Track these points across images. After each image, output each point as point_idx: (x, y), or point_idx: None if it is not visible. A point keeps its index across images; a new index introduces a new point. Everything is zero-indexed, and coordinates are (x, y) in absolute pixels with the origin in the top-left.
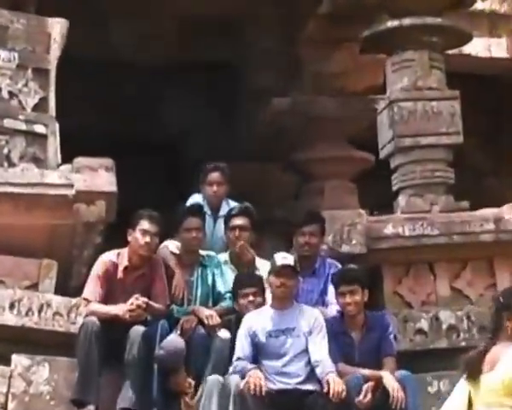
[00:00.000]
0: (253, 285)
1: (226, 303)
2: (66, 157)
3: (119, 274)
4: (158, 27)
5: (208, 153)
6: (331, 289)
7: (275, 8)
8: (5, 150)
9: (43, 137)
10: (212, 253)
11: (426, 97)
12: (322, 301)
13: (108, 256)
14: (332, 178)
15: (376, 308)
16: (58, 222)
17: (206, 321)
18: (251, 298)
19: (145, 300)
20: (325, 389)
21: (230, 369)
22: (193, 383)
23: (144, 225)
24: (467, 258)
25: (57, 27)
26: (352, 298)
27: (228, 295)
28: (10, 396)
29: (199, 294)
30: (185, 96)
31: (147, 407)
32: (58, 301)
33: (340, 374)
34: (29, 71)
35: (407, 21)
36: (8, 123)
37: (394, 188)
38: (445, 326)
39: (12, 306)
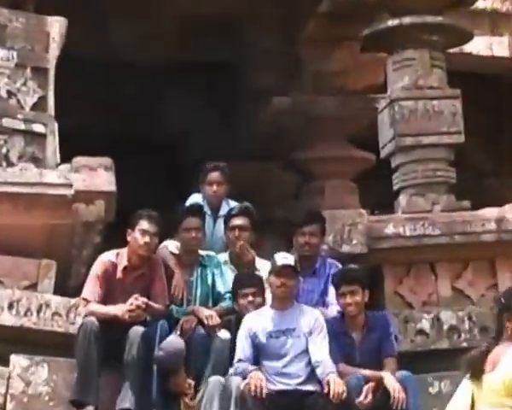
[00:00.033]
0: (252, 285)
1: (226, 303)
2: (66, 157)
3: (119, 274)
4: (158, 27)
5: (208, 153)
6: (331, 289)
7: (275, 7)
8: (4, 150)
9: (42, 136)
10: (211, 253)
11: (427, 96)
12: (322, 302)
13: (107, 256)
14: (332, 177)
15: (377, 309)
16: (57, 222)
17: (205, 321)
18: (250, 298)
19: (144, 300)
20: (325, 390)
21: (230, 370)
22: (192, 383)
23: (143, 225)
24: (468, 258)
25: (56, 26)
26: (352, 298)
27: (228, 295)
28: (9, 397)
29: (198, 294)
30: (185, 96)
31: (146, 408)
32: (57, 301)
33: (341, 375)
34: (28, 70)
35: (407, 20)
36: (6, 122)
37: (395, 187)
38: (446, 327)
39: (11, 306)
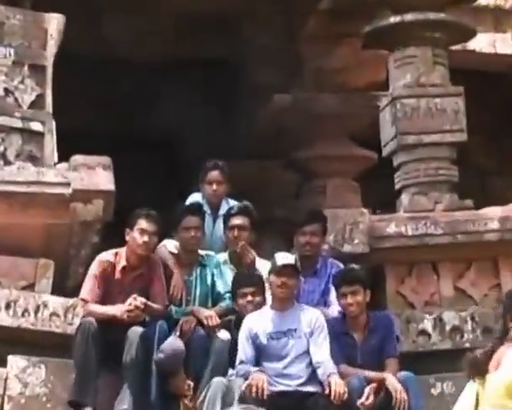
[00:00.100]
0: (251, 285)
1: (225, 303)
2: (63, 155)
3: (117, 274)
4: (155, 24)
5: (206, 149)
6: (333, 289)
7: (272, 4)
8: (1, 148)
9: (40, 134)
10: (211, 252)
11: (429, 94)
12: (323, 302)
13: (106, 256)
14: (334, 176)
15: (378, 309)
16: (55, 221)
17: (205, 322)
18: (250, 298)
19: (143, 300)
20: (326, 391)
21: (230, 371)
22: (192, 384)
23: (142, 224)
24: (471, 258)
25: (54, 23)
26: (353, 299)
27: (227, 295)
28: (6, 398)
29: (198, 294)
30: (182, 92)
31: None
32: (55, 301)
33: (342, 375)
34: (25, 67)
35: (409, 17)
36: (3, 120)
37: (397, 186)
38: (448, 327)
39: (8, 306)
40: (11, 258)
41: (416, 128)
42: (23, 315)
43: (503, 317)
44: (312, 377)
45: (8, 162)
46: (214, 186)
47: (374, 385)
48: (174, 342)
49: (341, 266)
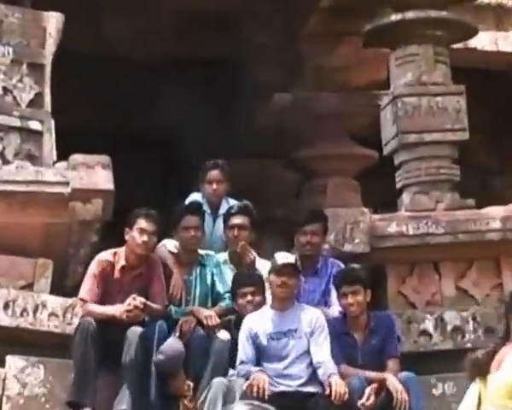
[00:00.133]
0: (251, 284)
1: (225, 303)
2: (63, 153)
3: (116, 274)
4: (155, 23)
5: (205, 148)
6: (333, 289)
7: (272, 3)
8: None
9: (39, 133)
10: (211, 252)
11: (430, 93)
12: (324, 302)
13: (105, 255)
14: (334, 175)
15: (379, 309)
16: (53, 221)
17: (205, 322)
18: (249, 298)
19: (142, 300)
20: (327, 391)
21: (231, 371)
22: (192, 385)
23: (142, 223)
24: (472, 257)
25: (53, 22)
26: (354, 299)
27: (227, 294)
28: (4, 399)
29: (197, 294)
30: (182, 91)
31: None
32: (54, 301)
33: (343, 376)
34: (24, 66)
35: (411, 15)
36: (2, 119)
37: (398, 185)
38: (450, 327)
39: (6, 306)
40: (10, 257)
41: (418, 127)
42: (22, 315)
43: (505, 317)
44: (313, 378)
45: (6, 161)
46: (214, 185)
47: (374, 386)
48: (174, 344)
49: (342, 265)
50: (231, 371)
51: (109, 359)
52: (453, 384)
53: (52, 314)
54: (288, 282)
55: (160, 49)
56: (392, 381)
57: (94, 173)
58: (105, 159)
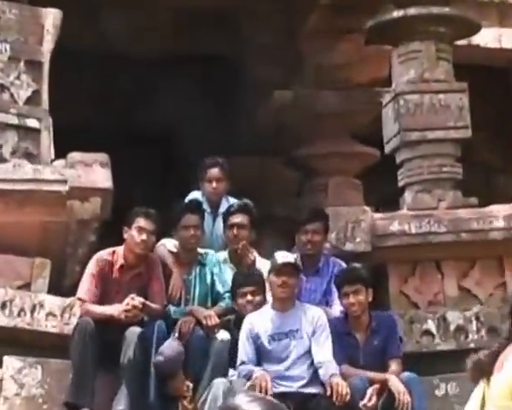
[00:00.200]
0: (251, 284)
1: (225, 303)
2: (61, 150)
3: (115, 273)
4: (153, 19)
5: (204, 145)
6: (335, 288)
7: (272, 3)
8: None
9: (36, 131)
10: (210, 251)
11: (433, 90)
12: (325, 302)
13: (103, 255)
14: (336, 174)
15: (381, 309)
16: (51, 219)
17: (204, 322)
18: (249, 297)
19: (141, 300)
20: (328, 392)
21: (231, 372)
22: (191, 386)
23: (140, 222)
24: (475, 256)
25: (51, 18)
26: (355, 298)
27: (227, 294)
28: (2, 399)
29: (197, 293)
30: (181, 87)
31: None
32: (51, 301)
33: (344, 376)
34: (21, 63)
35: (413, 11)
36: None
37: (400, 184)
38: (452, 327)
39: (4, 306)
40: (7, 257)
41: (420, 124)
42: (19, 315)
43: (508, 317)
44: (314, 378)
45: (3, 160)
46: (214, 184)
47: (376, 386)
48: (173, 345)
49: (344, 265)
50: (231, 372)
51: (108, 359)
52: (456, 385)
53: (50, 314)
54: (289, 281)
55: (159, 46)
56: (395, 382)
57: (92, 172)
58: (103, 157)
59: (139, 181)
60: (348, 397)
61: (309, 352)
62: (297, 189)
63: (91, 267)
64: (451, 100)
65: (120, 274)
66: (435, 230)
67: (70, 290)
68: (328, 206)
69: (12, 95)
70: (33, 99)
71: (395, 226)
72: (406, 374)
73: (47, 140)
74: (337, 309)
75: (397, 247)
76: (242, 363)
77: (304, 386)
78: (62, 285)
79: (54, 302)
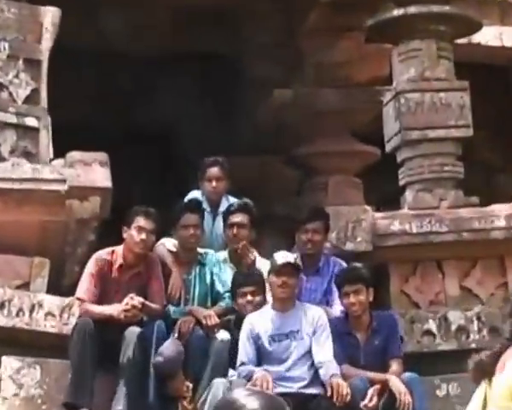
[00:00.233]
0: (251, 284)
1: (225, 303)
2: (59, 149)
3: (114, 273)
4: (152, 17)
5: (203, 143)
6: (335, 288)
7: (272, 3)
8: None
9: (35, 130)
10: (210, 251)
11: (434, 88)
12: (326, 301)
13: (102, 254)
14: (336, 172)
15: (382, 308)
16: (50, 219)
17: (204, 322)
18: (249, 297)
19: (141, 299)
20: (329, 393)
21: (231, 372)
22: (191, 386)
23: (140, 221)
24: (477, 256)
25: (49, 16)
26: (356, 298)
27: (227, 294)
28: (0, 400)
29: (197, 293)
30: (179, 86)
31: None
32: (50, 300)
33: (345, 376)
34: (20, 61)
35: (413, 9)
36: None
37: (401, 183)
38: (453, 327)
39: (2, 306)
40: (5, 256)
41: (421, 123)
42: (18, 315)
43: (510, 316)
44: (315, 379)
45: (2, 159)
46: (214, 183)
47: (377, 387)
48: (172, 345)
49: (344, 264)
50: (231, 372)
51: (107, 359)
52: (457, 385)
53: (49, 314)
54: (289, 281)
55: (157, 44)
56: (395, 382)
57: (91, 171)
58: (102, 156)
59: (138, 179)
60: (349, 398)
61: (309, 352)
62: (297, 188)
63: (90, 267)
64: (452, 98)
65: (120, 274)
66: (436, 229)
67: (69, 290)
68: (328, 205)
69: (11, 93)
70: (32, 98)
71: (396, 226)
72: (407, 374)
73: (46, 139)
74: (337, 309)
75: (398, 246)
76: (242, 364)
77: (304, 387)
78: (61, 285)
79: (53, 302)
